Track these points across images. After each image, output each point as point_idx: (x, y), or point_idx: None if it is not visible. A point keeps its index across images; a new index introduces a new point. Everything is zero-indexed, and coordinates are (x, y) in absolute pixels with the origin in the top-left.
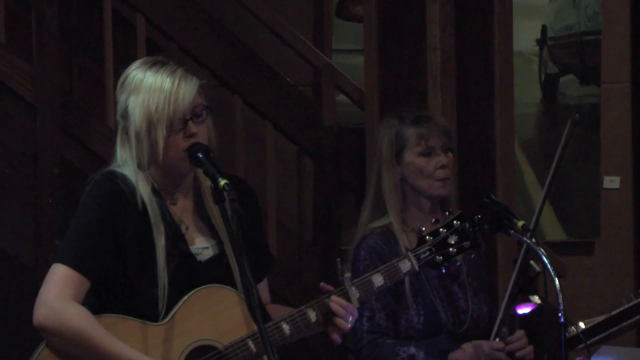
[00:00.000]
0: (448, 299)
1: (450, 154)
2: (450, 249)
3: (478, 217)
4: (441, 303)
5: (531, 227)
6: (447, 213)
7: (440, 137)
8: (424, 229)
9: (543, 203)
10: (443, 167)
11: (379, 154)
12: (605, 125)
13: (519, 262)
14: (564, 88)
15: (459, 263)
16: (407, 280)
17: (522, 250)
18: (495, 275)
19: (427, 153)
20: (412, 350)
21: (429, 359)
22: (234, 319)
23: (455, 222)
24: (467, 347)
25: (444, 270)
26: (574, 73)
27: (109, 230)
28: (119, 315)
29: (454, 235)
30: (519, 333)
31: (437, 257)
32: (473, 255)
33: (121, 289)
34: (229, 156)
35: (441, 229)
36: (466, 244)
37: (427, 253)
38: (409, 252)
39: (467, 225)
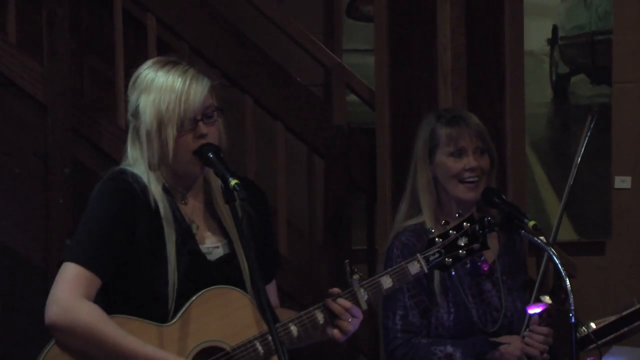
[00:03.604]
0: (480, 296)
1: (486, 156)
2: (460, 251)
3: (488, 219)
4: (473, 301)
5: (551, 239)
6: (457, 215)
7: (472, 139)
8: (433, 230)
9: (564, 207)
10: (472, 169)
11: (415, 151)
12: (616, 125)
13: (544, 261)
14: (574, 88)
15: (487, 265)
16: (437, 277)
17: (546, 255)
18: None
19: (458, 154)
20: (449, 349)
21: (466, 359)
22: (241, 320)
23: (465, 224)
24: (504, 347)
25: (453, 273)
26: (585, 73)
27: (119, 228)
28: (126, 316)
29: (463, 238)
30: (545, 329)
31: (447, 259)
32: (469, 265)
33: (131, 287)
34: (239, 156)
35: (451, 231)
36: (476, 245)
37: (437, 255)
38: (418, 254)
39: (477, 227)
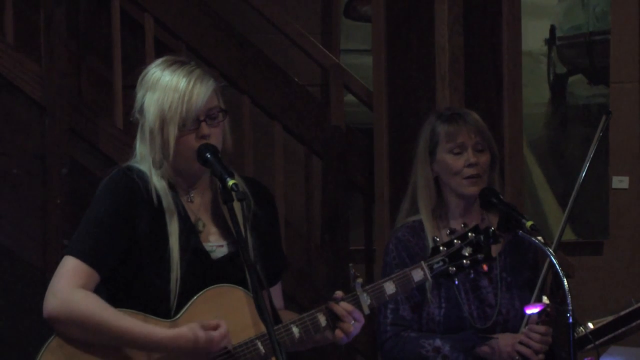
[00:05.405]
0: (474, 292)
1: (486, 153)
2: (464, 261)
3: (492, 230)
4: (466, 296)
5: (553, 247)
6: (462, 225)
7: (471, 135)
8: (437, 239)
9: (569, 214)
10: (471, 165)
11: (417, 150)
12: (614, 126)
13: (547, 261)
14: (572, 88)
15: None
16: None
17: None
18: None
19: (458, 151)
20: (438, 342)
21: (454, 353)
22: (243, 319)
23: (470, 234)
24: (494, 343)
25: (457, 282)
26: (582, 73)
27: (121, 224)
28: (129, 310)
29: (468, 247)
30: (543, 328)
31: (450, 267)
32: (472, 276)
33: (134, 282)
34: (237, 156)
35: (455, 241)
36: (480, 256)
37: (441, 263)
38: (422, 262)
39: (482, 237)
